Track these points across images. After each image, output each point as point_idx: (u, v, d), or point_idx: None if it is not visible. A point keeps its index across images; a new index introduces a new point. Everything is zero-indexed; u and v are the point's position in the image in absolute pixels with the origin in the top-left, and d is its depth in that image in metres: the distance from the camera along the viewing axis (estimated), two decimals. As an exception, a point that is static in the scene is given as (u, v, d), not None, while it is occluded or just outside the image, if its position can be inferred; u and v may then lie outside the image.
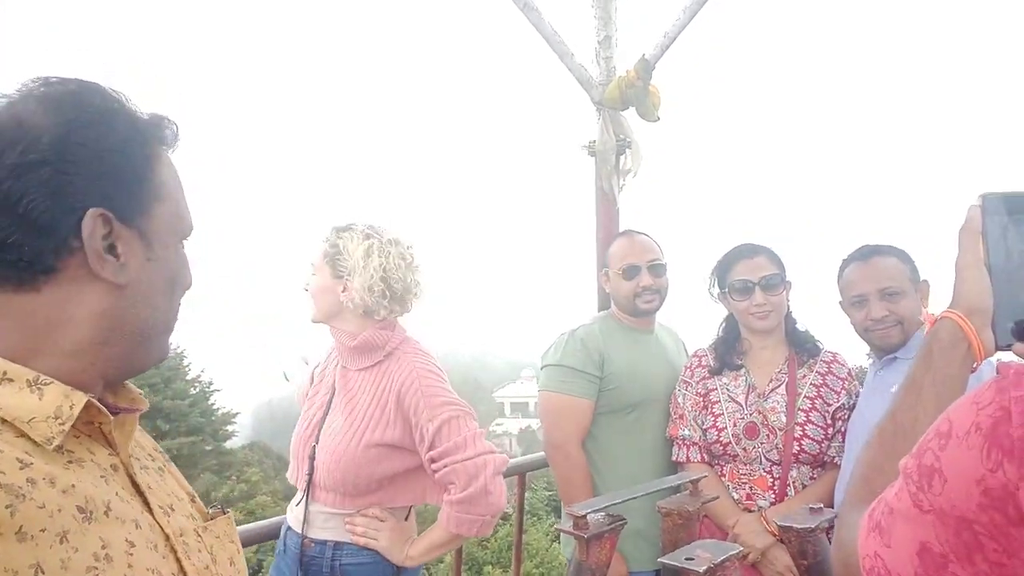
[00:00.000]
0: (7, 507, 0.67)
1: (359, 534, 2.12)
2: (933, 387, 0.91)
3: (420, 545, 2.13)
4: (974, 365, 0.92)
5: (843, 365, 2.64)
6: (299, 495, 2.24)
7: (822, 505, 1.73)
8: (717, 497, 2.40)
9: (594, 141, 3.21)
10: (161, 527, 0.85)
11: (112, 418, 0.83)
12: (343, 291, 2.15)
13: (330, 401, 2.24)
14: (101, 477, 0.80)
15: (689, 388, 2.69)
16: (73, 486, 0.74)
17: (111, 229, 0.81)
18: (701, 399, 2.65)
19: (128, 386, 0.94)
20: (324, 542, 2.16)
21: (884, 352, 2.39)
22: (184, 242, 0.94)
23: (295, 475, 2.26)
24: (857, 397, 2.52)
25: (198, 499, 1.02)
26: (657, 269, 2.75)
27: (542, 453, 3.10)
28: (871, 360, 2.54)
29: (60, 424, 0.76)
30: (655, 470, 2.71)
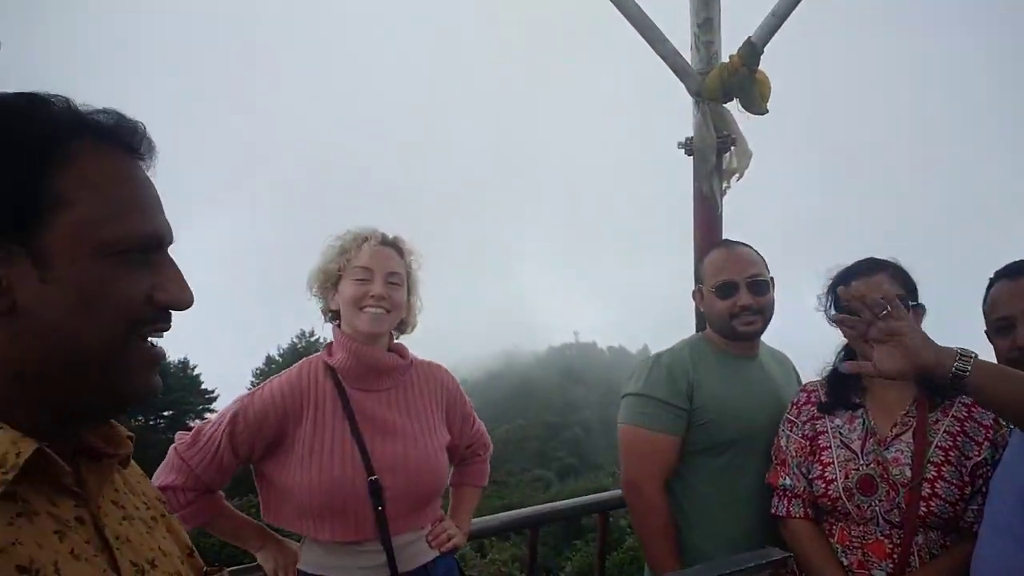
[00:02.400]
0: None
1: (446, 539, 2.14)
2: None
3: (463, 516, 2.31)
4: None
5: (987, 411, 2.14)
6: (363, 542, 1.98)
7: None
8: None
9: (691, 138, 2.87)
10: None
11: (68, 470, 0.78)
12: (407, 310, 2.18)
13: (353, 428, 2.01)
14: (55, 532, 0.74)
15: (795, 429, 2.30)
16: (14, 543, 0.69)
17: None
18: (808, 442, 2.26)
19: (116, 428, 0.89)
20: (423, 567, 2.08)
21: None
22: (145, 253, 0.80)
23: (349, 524, 1.97)
24: (1004, 450, 2.02)
25: (196, 554, 0.98)
26: (759, 286, 2.38)
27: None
28: None
29: (3, 473, 0.71)
30: (752, 522, 2.37)
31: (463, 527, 2.27)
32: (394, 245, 2.12)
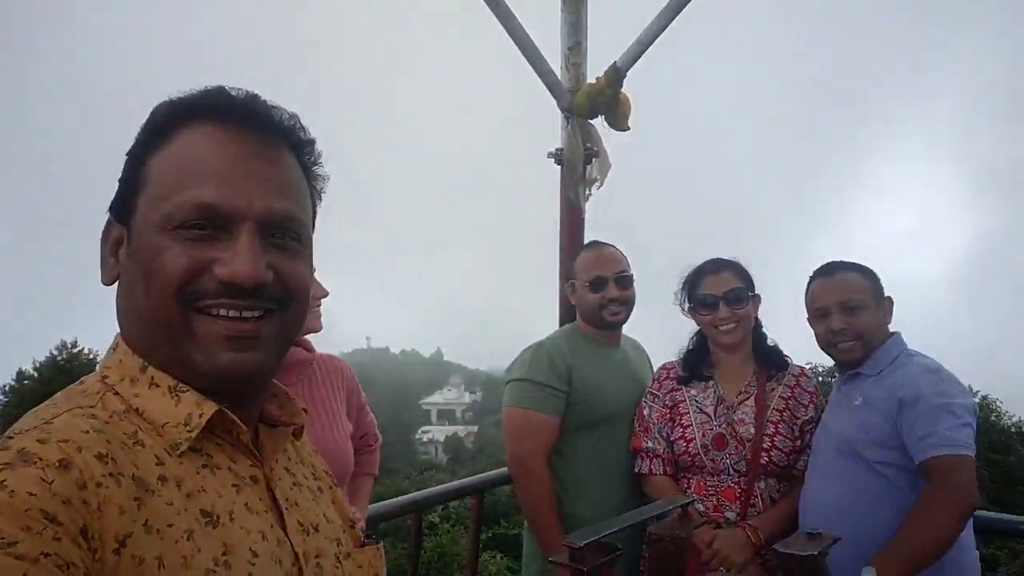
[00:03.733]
0: (135, 499, 0.72)
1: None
2: None
3: (362, 504, 2.37)
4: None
5: (810, 379, 2.68)
6: None
7: (820, 531, 1.72)
8: (706, 521, 2.37)
9: (561, 149, 3.16)
10: (292, 545, 0.85)
11: (246, 430, 0.84)
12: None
13: None
14: (233, 486, 0.82)
15: (656, 400, 2.67)
16: (200, 491, 0.78)
17: (110, 231, 0.87)
18: (668, 411, 2.64)
19: (293, 401, 0.97)
20: None
21: (847, 367, 2.43)
22: (187, 227, 0.80)
23: None
24: (823, 412, 2.55)
25: (357, 527, 1.04)
26: (624, 281, 2.73)
27: (502, 469, 3.04)
28: (835, 375, 2.57)
29: (188, 431, 0.79)
30: (621, 486, 2.69)
31: (362, 514, 2.33)
32: None
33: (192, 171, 0.81)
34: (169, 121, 0.84)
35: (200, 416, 0.80)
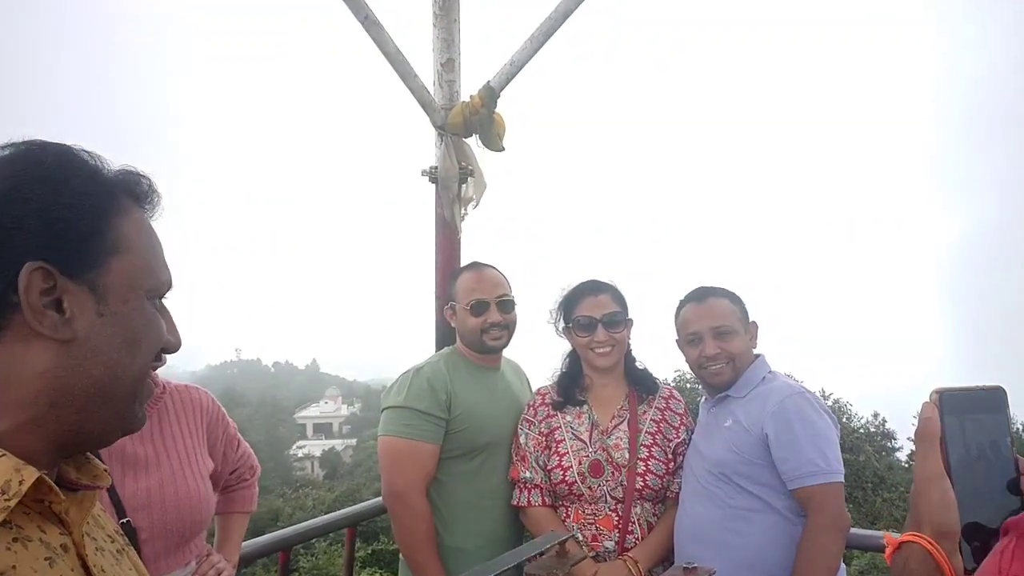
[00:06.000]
0: None
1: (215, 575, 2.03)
2: None
3: (232, 547, 2.23)
4: None
5: (680, 401, 2.72)
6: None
7: (696, 565, 1.71)
8: (585, 557, 2.33)
9: (435, 167, 3.08)
10: None
11: (63, 498, 0.80)
12: None
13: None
14: (46, 560, 0.77)
15: (532, 428, 2.62)
16: (14, 567, 0.73)
17: (55, 283, 0.79)
18: (544, 438, 2.59)
19: (92, 461, 0.92)
20: None
21: (716, 390, 2.48)
22: (159, 300, 0.90)
23: None
24: (692, 433, 2.59)
25: (226, 574, 1.06)
26: (506, 305, 2.66)
27: (375, 501, 2.90)
28: (703, 399, 2.62)
29: (5, 500, 0.73)
30: (500, 515, 2.62)
31: (232, 558, 2.17)
32: None
33: (154, 248, 0.90)
34: (117, 189, 0.87)
35: (20, 483, 0.75)
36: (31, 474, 0.76)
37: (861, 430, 20.60)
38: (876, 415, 21.76)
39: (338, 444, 69.75)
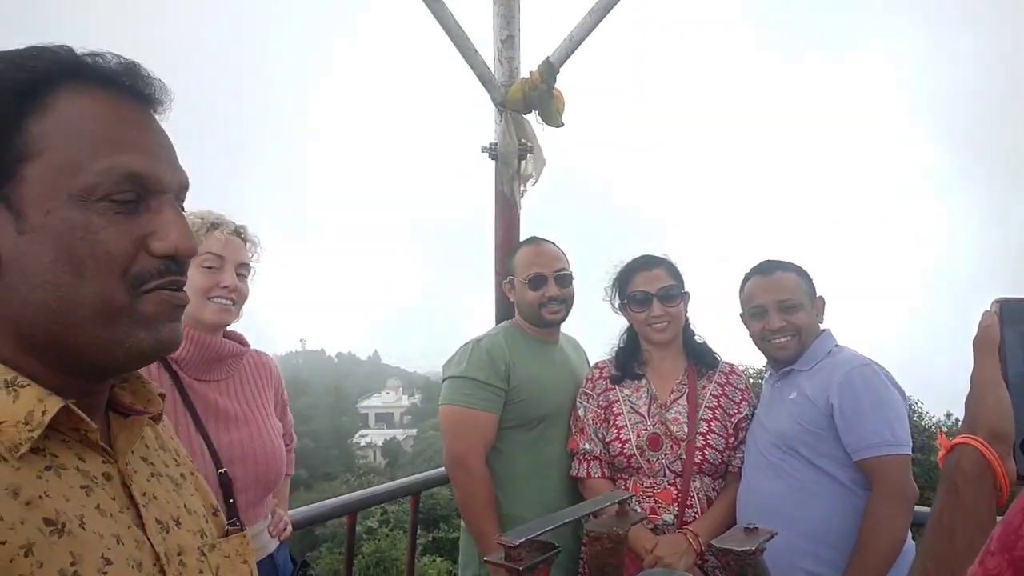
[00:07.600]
0: None
1: (283, 527, 2.18)
2: (966, 533, 0.80)
3: (284, 505, 2.30)
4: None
5: (741, 376, 2.68)
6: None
7: (757, 526, 1.70)
8: (644, 518, 2.33)
9: (495, 144, 3.10)
10: (152, 545, 0.78)
11: (95, 427, 0.76)
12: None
13: (197, 421, 1.92)
14: (83, 487, 0.74)
15: (591, 400, 2.63)
16: (42, 497, 0.69)
17: None
18: (603, 411, 2.60)
19: (148, 385, 0.88)
20: (270, 557, 2.09)
21: (781, 364, 2.44)
22: (113, 199, 0.74)
23: None
24: (755, 408, 2.56)
25: (220, 513, 0.97)
26: (563, 279, 2.68)
27: (439, 470, 2.96)
28: (768, 373, 2.59)
29: (29, 431, 0.70)
30: (559, 485, 2.63)
31: (286, 514, 2.28)
32: (242, 235, 2.06)
33: (108, 138, 0.74)
34: (36, 82, 0.73)
35: (43, 413, 0.71)
36: (55, 404, 0.72)
37: (932, 429, 19.82)
38: (949, 415, 20.92)
39: (399, 434, 70.93)
